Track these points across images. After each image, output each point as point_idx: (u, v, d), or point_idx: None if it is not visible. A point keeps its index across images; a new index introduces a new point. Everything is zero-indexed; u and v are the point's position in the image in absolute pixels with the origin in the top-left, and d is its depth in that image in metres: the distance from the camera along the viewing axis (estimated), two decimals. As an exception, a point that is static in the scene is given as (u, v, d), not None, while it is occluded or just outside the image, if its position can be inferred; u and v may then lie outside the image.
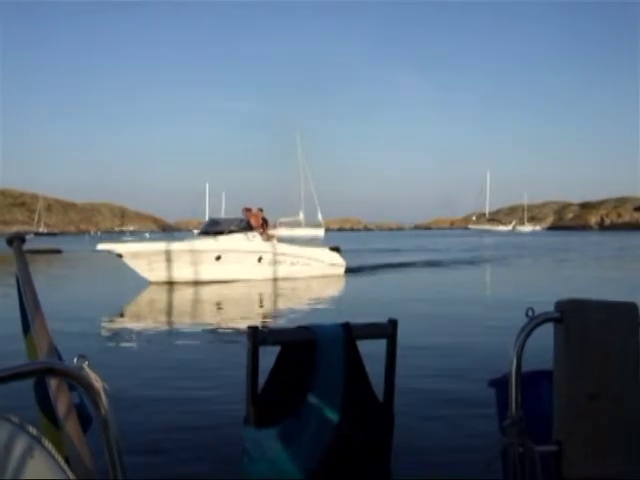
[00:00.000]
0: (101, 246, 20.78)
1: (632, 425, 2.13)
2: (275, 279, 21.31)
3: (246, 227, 21.56)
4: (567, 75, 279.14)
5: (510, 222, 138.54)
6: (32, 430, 1.53)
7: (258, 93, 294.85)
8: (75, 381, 1.50)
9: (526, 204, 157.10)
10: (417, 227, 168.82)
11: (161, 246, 20.75)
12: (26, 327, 2.12)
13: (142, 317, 14.56)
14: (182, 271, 20.38)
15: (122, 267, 20.59)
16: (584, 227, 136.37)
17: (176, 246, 20.72)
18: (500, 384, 2.17)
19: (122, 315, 14.72)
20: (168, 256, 20.29)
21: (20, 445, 1.49)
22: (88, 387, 1.47)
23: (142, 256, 20.11)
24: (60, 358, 1.99)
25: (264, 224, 22.74)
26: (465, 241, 64.36)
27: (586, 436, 2.07)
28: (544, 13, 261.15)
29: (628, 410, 2.12)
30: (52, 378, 1.84)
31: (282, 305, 16.79)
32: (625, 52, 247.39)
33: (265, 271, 21.45)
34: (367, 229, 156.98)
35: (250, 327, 1.88)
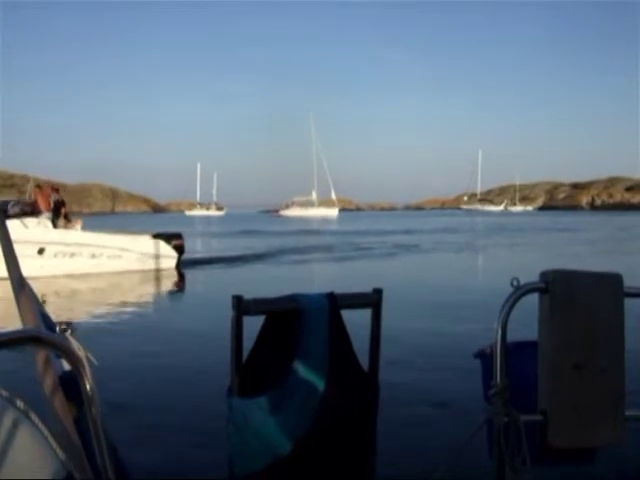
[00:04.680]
0: None
1: (617, 395, 2.14)
2: (66, 275, 17.52)
3: (28, 211, 17.59)
4: (559, 55, 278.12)
5: (502, 202, 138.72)
6: (20, 404, 1.50)
7: (257, 76, 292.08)
8: (58, 350, 1.46)
9: (518, 184, 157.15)
10: (409, 207, 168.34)
11: None
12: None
13: None
14: None
15: None
16: (575, 207, 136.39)
17: None
18: (485, 355, 2.18)
19: None
20: None
21: (7, 419, 1.47)
22: (70, 356, 1.42)
23: None
24: (53, 329, 1.94)
25: (61, 207, 18.51)
26: (440, 221, 61.35)
27: (571, 406, 2.08)
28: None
29: (613, 380, 2.13)
30: (37, 353, 1.81)
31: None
32: (617, 33, 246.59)
33: (48, 266, 17.34)
34: (359, 209, 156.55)
35: (234, 296, 1.87)
